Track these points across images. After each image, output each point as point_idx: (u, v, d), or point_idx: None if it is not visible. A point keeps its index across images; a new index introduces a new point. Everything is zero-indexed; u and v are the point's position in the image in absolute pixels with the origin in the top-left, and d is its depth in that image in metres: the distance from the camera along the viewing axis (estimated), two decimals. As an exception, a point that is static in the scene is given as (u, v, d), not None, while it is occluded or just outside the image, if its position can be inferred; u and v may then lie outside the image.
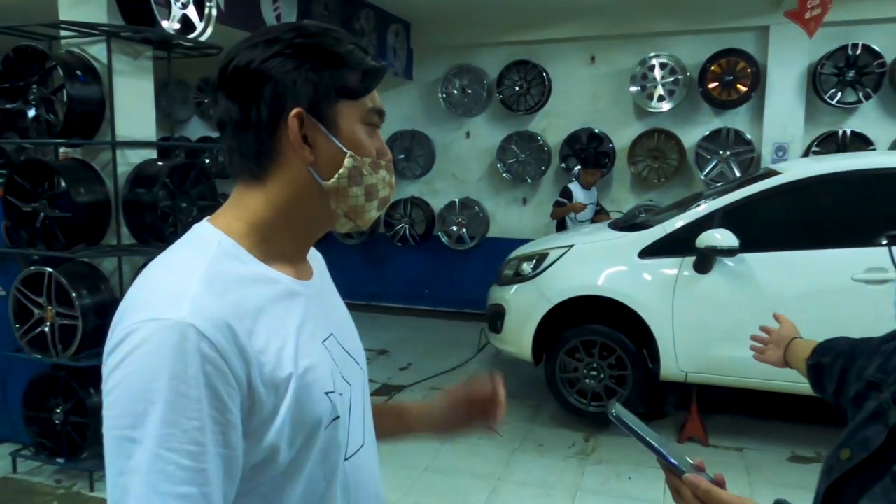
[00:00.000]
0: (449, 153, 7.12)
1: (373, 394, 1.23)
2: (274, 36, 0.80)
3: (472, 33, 6.72)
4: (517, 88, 6.67)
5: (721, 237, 3.64)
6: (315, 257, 0.98)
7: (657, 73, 6.21)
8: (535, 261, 4.31)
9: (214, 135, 7.88)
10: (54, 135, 3.29)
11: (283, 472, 0.77)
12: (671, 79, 6.18)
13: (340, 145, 0.81)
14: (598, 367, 4.11)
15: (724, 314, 3.77)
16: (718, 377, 3.88)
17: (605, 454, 3.82)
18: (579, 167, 5.80)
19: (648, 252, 3.94)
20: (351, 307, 1.05)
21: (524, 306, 4.22)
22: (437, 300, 7.29)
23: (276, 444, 0.75)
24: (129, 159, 3.59)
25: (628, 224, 4.48)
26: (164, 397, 0.67)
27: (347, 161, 0.82)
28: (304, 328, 0.81)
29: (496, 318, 4.36)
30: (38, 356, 3.36)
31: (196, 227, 0.84)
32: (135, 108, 3.58)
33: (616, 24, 6.26)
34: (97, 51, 3.44)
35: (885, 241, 0.91)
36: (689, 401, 4.04)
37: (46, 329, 3.32)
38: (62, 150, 3.57)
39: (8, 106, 3.34)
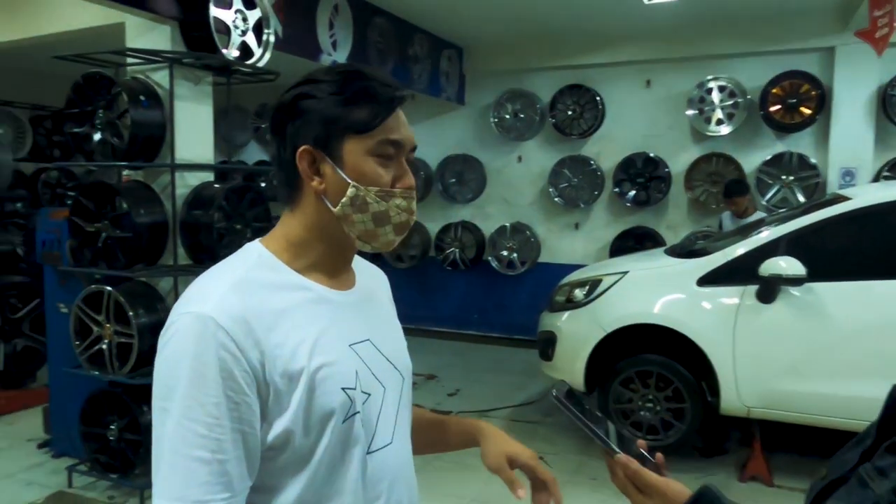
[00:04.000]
0: (500, 177, 7.09)
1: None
2: (300, 81, 0.95)
3: (524, 58, 6.71)
4: (570, 112, 6.61)
5: (786, 265, 3.48)
6: (374, 275, 1.13)
7: (715, 96, 6.06)
8: (587, 287, 4.20)
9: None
10: (118, 158, 3.39)
11: (300, 456, 0.88)
12: (730, 102, 6.01)
13: (344, 176, 0.91)
14: (654, 399, 3.96)
15: (790, 346, 3.59)
16: (783, 413, 3.68)
17: (661, 491, 3.65)
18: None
19: (708, 280, 3.79)
20: (400, 330, 1.09)
21: (576, 334, 4.11)
22: (487, 325, 7.21)
23: (291, 429, 0.86)
24: (188, 182, 3.68)
25: (686, 251, 4.33)
26: (187, 375, 0.81)
27: (350, 191, 0.92)
28: (329, 330, 0.92)
29: (547, 345, 4.26)
30: (96, 373, 3.44)
31: (247, 244, 0.99)
32: (194, 132, 3.68)
33: (672, 47, 6.15)
34: (160, 77, 3.55)
35: None
36: (752, 437, 3.83)
37: (104, 346, 3.39)
38: (125, 172, 3.68)
39: (76, 130, 3.47)
